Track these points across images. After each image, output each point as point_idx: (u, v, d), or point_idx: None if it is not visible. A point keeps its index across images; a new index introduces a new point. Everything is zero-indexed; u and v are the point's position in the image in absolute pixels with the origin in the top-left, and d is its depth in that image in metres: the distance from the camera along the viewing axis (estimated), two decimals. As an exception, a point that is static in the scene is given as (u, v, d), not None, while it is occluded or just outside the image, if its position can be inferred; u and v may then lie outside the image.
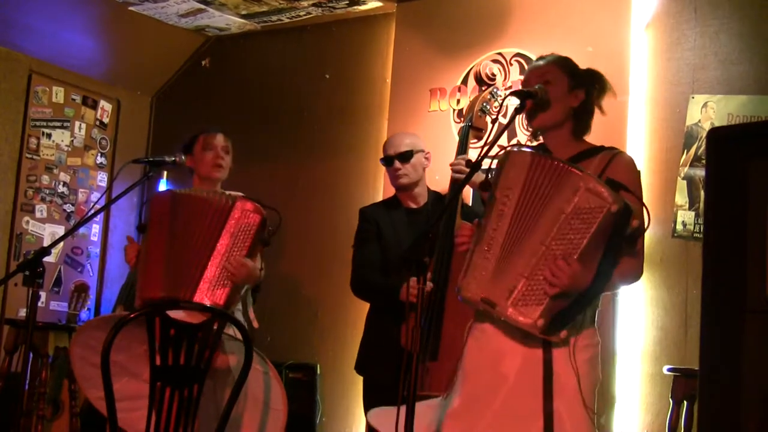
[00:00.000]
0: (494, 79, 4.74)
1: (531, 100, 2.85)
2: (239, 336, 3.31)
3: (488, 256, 2.61)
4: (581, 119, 2.85)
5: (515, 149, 2.78)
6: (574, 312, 2.55)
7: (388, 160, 4.00)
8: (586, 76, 2.91)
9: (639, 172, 2.76)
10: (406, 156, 3.97)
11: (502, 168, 2.71)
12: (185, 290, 3.38)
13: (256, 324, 3.72)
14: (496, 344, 2.69)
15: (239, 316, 3.62)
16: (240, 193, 3.76)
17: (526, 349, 2.63)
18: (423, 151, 4.03)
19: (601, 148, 2.80)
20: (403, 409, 2.54)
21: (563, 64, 2.91)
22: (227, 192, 3.70)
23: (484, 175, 3.56)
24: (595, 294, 2.58)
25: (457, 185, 3.70)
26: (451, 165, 3.81)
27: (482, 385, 2.68)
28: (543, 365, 2.60)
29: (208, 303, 3.34)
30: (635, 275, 2.70)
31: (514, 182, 2.63)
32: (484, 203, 3.67)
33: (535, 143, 2.95)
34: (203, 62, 6.28)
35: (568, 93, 2.85)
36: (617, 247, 2.52)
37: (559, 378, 2.59)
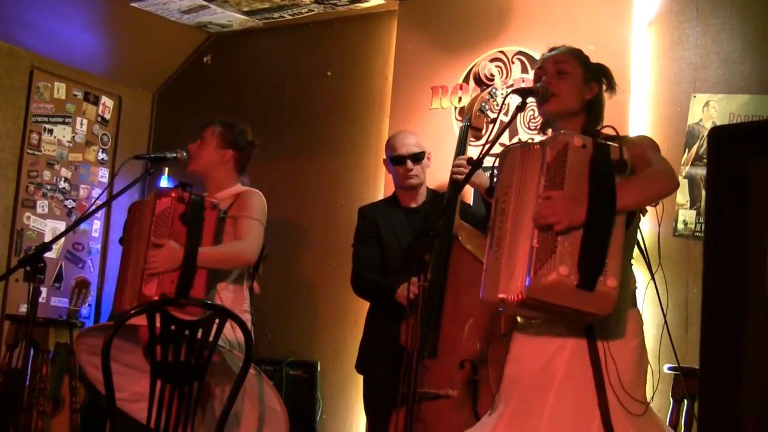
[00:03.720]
0: (493, 80, 4.74)
1: (534, 97, 2.85)
2: (233, 336, 3.33)
3: (498, 255, 2.60)
4: (593, 112, 2.85)
5: (508, 148, 2.79)
6: (591, 249, 2.43)
7: (399, 160, 3.98)
8: (598, 70, 2.91)
9: (648, 138, 2.83)
10: (418, 157, 3.98)
11: (501, 169, 2.71)
12: (134, 298, 3.39)
13: (257, 289, 3.72)
14: (540, 345, 2.67)
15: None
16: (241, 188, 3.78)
17: (571, 343, 2.62)
18: (426, 151, 4.04)
19: (614, 138, 2.77)
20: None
21: (578, 55, 2.91)
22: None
23: (486, 175, 3.59)
24: (599, 222, 2.45)
25: (457, 184, 3.70)
26: (453, 166, 3.81)
27: (531, 387, 2.65)
28: (590, 357, 2.58)
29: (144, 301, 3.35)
30: (664, 186, 2.66)
31: (510, 179, 2.64)
32: (488, 206, 3.69)
33: (544, 138, 2.95)
34: (205, 59, 6.28)
35: (583, 84, 2.85)
36: (605, 179, 2.48)
37: (607, 369, 2.57)
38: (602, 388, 2.57)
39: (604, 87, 2.92)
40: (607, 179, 2.50)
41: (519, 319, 2.81)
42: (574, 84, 2.84)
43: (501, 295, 2.54)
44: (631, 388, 2.60)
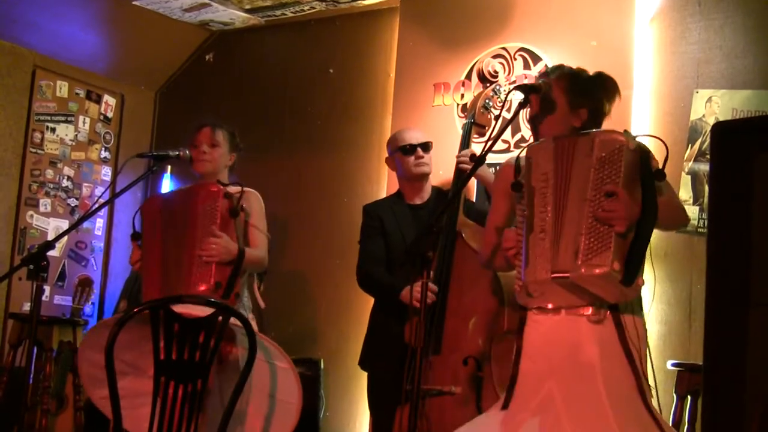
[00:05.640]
0: (497, 77, 4.74)
1: (535, 95, 2.86)
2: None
3: (543, 237, 2.70)
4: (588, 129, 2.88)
5: (535, 143, 2.89)
6: (639, 252, 2.61)
7: (409, 149, 3.99)
8: (589, 92, 2.92)
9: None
10: (428, 146, 4.01)
11: (531, 162, 2.80)
12: (181, 287, 3.41)
13: (262, 304, 3.76)
14: (566, 336, 2.75)
15: (244, 304, 3.65)
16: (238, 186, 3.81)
17: (598, 334, 2.72)
18: (432, 142, 4.07)
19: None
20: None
21: (564, 81, 2.93)
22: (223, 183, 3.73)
23: (490, 170, 3.61)
24: (649, 228, 2.63)
25: (460, 179, 3.71)
26: (457, 157, 3.82)
27: (570, 378, 2.71)
28: (621, 345, 2.69)
29: (202, 289, 3.38)
30: (680, 218, 2.87)
31: (547, 167, 2.74)
32: (489, 197, 3.70)
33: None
34: (207, 57, 6.28)
35: (569, 114, 2.88)
36: (650, 182, 2.64)
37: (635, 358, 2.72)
38: (638, 376, 2.69)
39: (604, 102, 2.94)
40: (653, 186, 2.66)
41: (530, 310, 2.87)
42: (557, 119, 2.90)
43: (553, 275, 2.65)
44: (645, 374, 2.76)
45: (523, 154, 2.93)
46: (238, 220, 3.55)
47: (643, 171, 2.65)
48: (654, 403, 2.82)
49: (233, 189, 3.79)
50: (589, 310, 2.73)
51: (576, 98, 2.89)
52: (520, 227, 2.81)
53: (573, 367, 2.72)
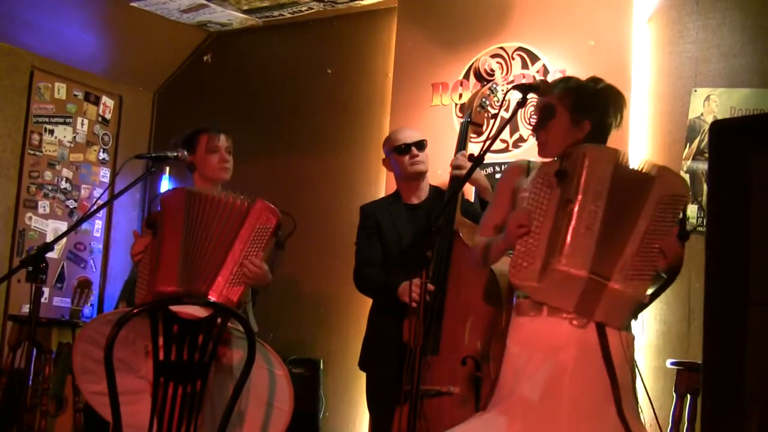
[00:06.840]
0: (493, 75, 4.73)
1: (534, 92, 2.86)
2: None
3: (589, 234, 2.70)
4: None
5: (593, 145, 2.84)
6: (657, 296, 2.79)
7: (404, 149, 3.97)
8: (591, 105, 2.89)
9: None
10: (422, 144, 3.99)
11: (585, 162, 2.75)
12: (200, 284, 3.38)
13: (255, 327, 3.72)
14: (546, 339, 2.76)
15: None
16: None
17: (579, 338, 2.73)
18: (427, 140, 4.06)
19: None
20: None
21: (568, 95, 2.89)
22: (233, 193, 3.70)
23: (483, 173, 3.59)
24: (674, 278, 2.79)
25: (458, 180, 3.70)
26: (452, 164, 3.81)
27: (542, 380, 2.72)
28: (602, 351, 2.70)
29: (221, 299, 3.35)
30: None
31: (604, 174, 2.73)
32: (483, 204, 3.69)
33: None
34: (205, 58, 6.28)
35: (571, 127, 2.86)
36: (685, 237, 2.74)
37: (616, 366, 2.71)
38: (615, 381, 2.68)
39: (610, 117, 2.93)
40: (685, 241, 2.78)
41: (515, 313, 2.88)
42: (559, 132, 2.87)
43: (591, 274, 2.67)
44: (632, 385, 2.77)
45: (532, 159, 2.96)
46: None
47: (682, 225, 2.73)
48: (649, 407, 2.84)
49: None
50: (572, 315, 2.73)
51: (578, 112, 2.86)
52: (532, 210, 2.75)
53: (545, 370, 2.72)
